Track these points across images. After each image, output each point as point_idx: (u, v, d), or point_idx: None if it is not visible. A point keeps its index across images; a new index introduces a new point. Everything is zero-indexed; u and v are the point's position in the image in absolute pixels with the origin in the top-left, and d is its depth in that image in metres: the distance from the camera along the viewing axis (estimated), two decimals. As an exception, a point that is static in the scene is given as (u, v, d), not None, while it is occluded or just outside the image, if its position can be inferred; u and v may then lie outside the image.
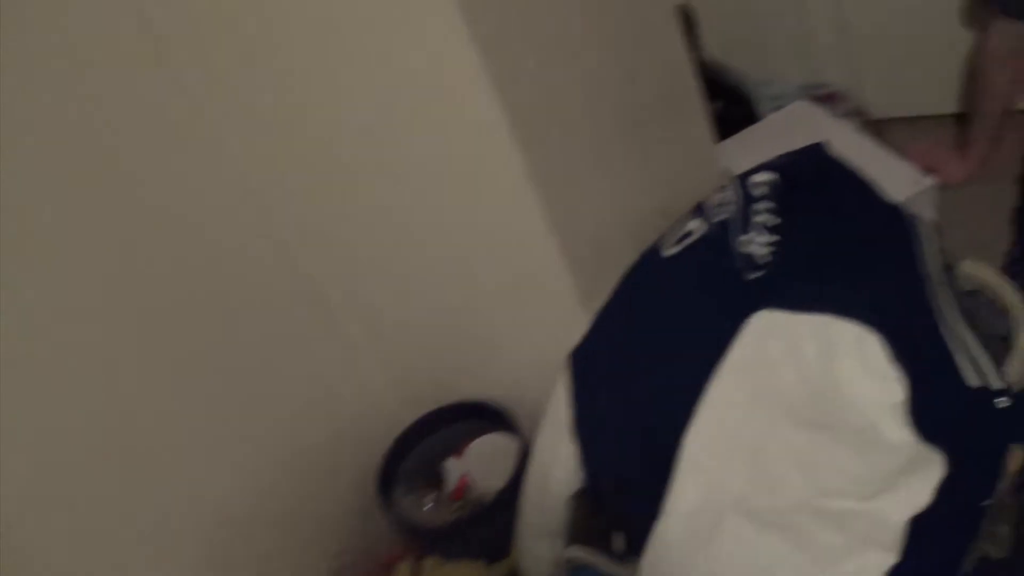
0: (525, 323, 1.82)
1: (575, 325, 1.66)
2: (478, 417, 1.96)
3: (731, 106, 2.54)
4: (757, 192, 1.59)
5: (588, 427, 1.58)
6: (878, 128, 2.69)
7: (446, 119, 1.51)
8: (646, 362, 1.56)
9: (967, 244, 2.23)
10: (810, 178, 1.62)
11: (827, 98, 2.64)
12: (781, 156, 1.67)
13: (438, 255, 1.75)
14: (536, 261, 1.67)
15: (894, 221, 1.60)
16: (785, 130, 2.42)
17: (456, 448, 1.94)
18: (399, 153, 1.58)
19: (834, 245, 1.54)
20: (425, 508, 1.90)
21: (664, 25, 1.87)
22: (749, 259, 1.53)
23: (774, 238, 1.53)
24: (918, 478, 1.36)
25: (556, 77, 1.57)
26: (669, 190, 1.82)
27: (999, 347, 1.66)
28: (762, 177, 1.60)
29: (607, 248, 1.72)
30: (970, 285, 1.74)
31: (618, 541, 1.61)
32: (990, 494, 1.41)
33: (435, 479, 1.94)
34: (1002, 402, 1.46)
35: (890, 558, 1.36)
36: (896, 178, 2.19)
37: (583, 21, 1.62)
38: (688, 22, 2.52)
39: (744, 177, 1.62)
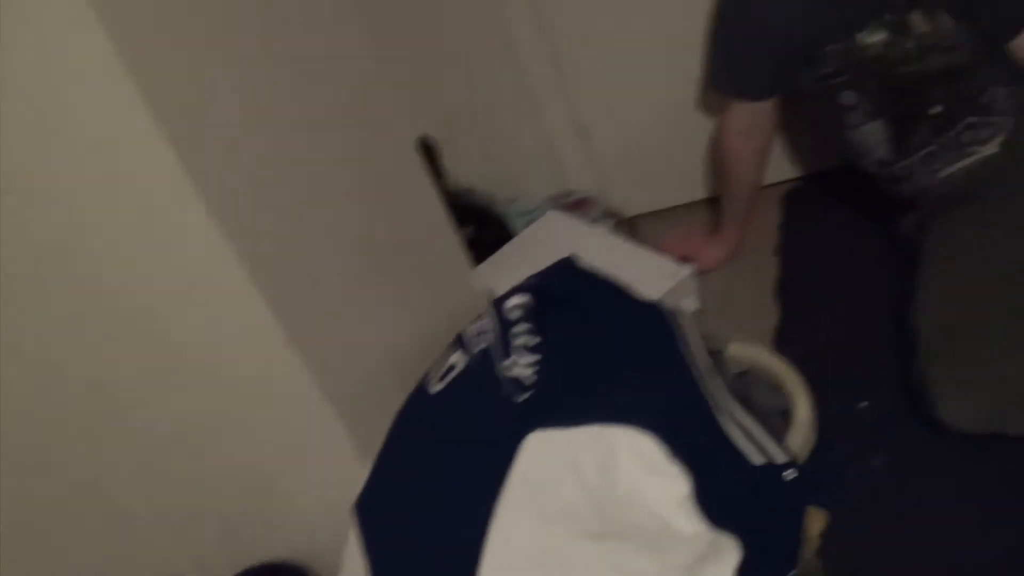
0: (308, 478, 1.83)
1: (357, 474, 1.68)
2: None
3: (483, 228, 2.62)
4: (513, 316, 1.65)
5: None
6: (632, 226, 2.82)
7: (194, 291, 1.53)
8: (430, 502, 1.59)
9: (735, 324, 2.36)
10: (564, 293, 1.70)
11: (577, 205, 2.74)
12: (532, 276, 1.75)
13: (211, 419, 1.75)
14: (307, 415, 1.69)
15: (653, 319, 1.69)
16: (539, 243, 2.50)
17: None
18: (155, 321, 1.58)
19: (597, 355, 1.61)
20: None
21: (405, 160, 1.95)
22: (515, 383, 1.58)
23: (536, 357, 1.59)
24: (715, 565, 1.42)
25: (298, 228, 1.62)
26: (432, 322, 1.87)
27: (779, 422, 1.76)
28: (516, 300, 1.67)
29: (377, 391, 1.76)
30: (740, 366, 1.84)
31: None
32: (794, 563, 1.49)
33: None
34: (789, 474, 1.55)
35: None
36: (654, 273, 2.30)
37: (319, 168, 1.67)
38: (430, 153, 2.60)
39: (498, 303, 1.68)
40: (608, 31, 2.66)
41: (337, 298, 1.72)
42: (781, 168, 2.85)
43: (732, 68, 2.52)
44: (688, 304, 2.29)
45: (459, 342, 1.70)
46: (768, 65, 2.43)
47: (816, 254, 2.64)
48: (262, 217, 1.54)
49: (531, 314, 1.64)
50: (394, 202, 1.91)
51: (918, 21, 2.24)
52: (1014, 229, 2.11)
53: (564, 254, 1.84)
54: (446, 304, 1.97)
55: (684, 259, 2.54)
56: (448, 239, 2.08)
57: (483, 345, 1.65)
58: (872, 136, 2.32)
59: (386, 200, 1.87)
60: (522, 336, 1.62)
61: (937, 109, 2.25)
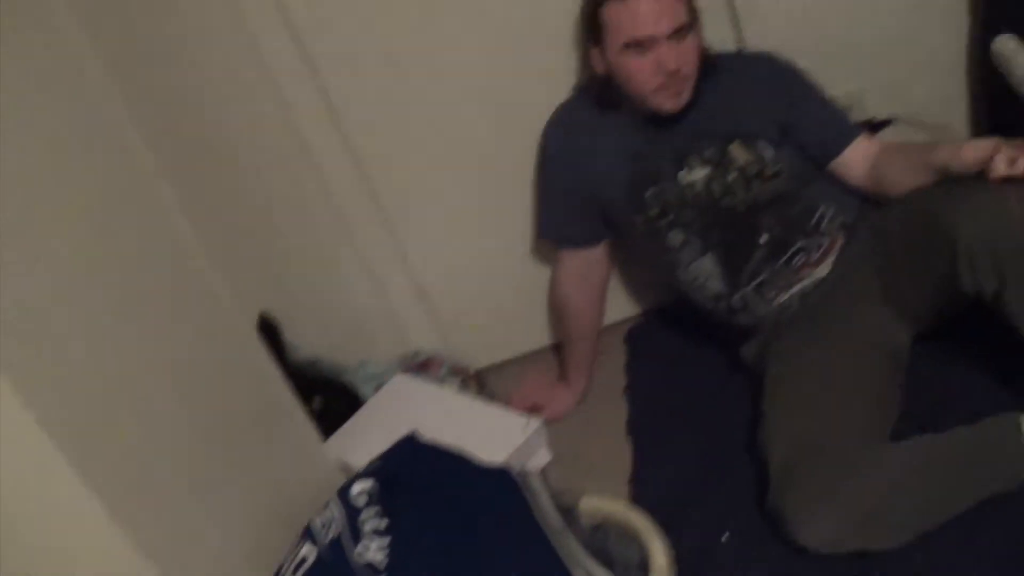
0: None
1: None
2: None
3: (332, 398, 2.60)
4: (359, 502, 1.66)
5: None
6: (480, 380, 2.84)
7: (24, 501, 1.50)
8: None
9: (590, 469, 2.38)
10: (409, 472, 1.71)
11: (424, 366, 2.75)
12: (375, 459, 1.76)
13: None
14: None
15: (501, 486, 1.71)
16: (388, 409, 2.50)
17: None
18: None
19: (448, 529, 1.62)
20: None
21: (243, 343, 1.94)
22: (370, 568, 1.58)
23: (388, 540, 1.60)
24: None
25: (131, 428, 1.59)
26: (286, 503, 1.85)
27: (638, 573, 1.77)
28: (360, 486, 1.68)
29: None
30: (595, 519, 1.85)
31: None
32: None
33: None
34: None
35: None
36: (504, 430, 2.29)
37: (153, 368, 1.66)
38: (271, 329, 2.59)
39: (344, 491, 1.69)
40: (436, 191, 2.73)
41: (181, 494, 1.68)
42: (621, 306, 2.92)
43: (558, 219, 2.60)
44: (540, 457, 2.30)
45: (308, 534, 1.69)
46: (592, 212, 2.51)
47: (664, 390, 2.68)
48: (91, 422, 1.51)
49: (378, 498, 1.65)
50: (234, 387, 1.90)
51: (738, 152, 2.32)
52: (848, 348, 2.17)
53: (413, 420, 1.85)
54: (299, 482, 1.96)
55: (534, 409, 2.57)
56: (295, 416, 2.07)
57: (333, 535, 1.65)
58: (703, 272, 2.38)
59: (225, 387, 1.86)
60: (371, 520, 1.63)
61: (766, 237, 2.32)
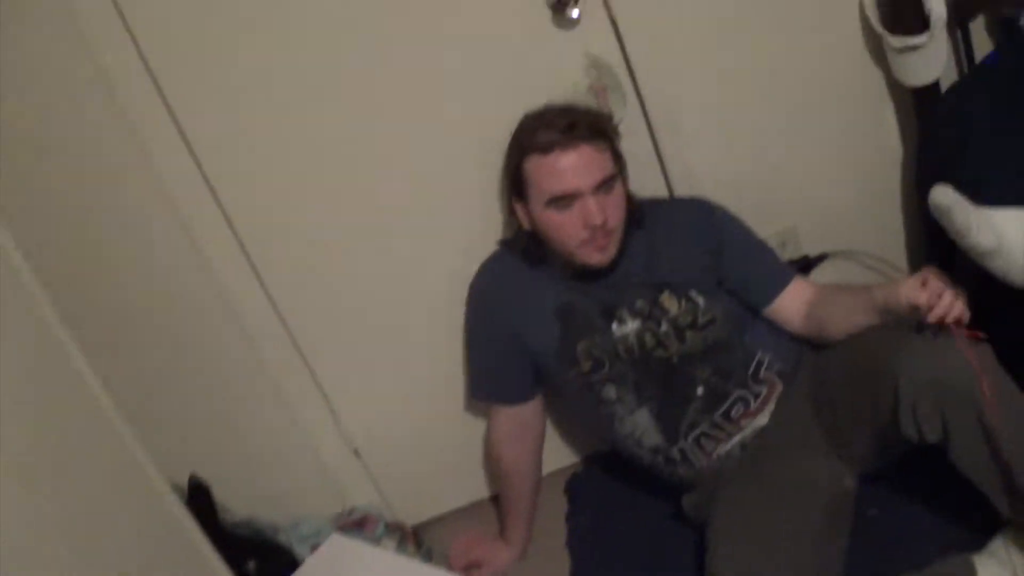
0: None
1: None
2: None
3: (266, 560, 2.56)
4: None
5: None
6: (417, 536, 2.80)
7: None
8: None
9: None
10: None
11: (360, 524, 2.71)
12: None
13: None
14: None
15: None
16: (324, 573, 2.45)
17: None
18: None
19: None
20: None
21: (171, 514, 1.90)
22: None
23: None
24: None
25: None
26: None
27: None
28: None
29: None
30: None
31: None
32: None
33: None
34: None
35: None
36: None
37: (70, 539, 1.61)
38: (201, 492, 2.55)
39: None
40: (365, 349, 2.72)
41: None
42: (559, 455, 2.91)
43: (489, 376, 2.58)
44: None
45: None
46: (523, 368, 2.49)
47: (606, 541, 2.65)
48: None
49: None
50: (161, 562, 1.85)
51: (669, 303, 2.30)
52: (791, 496, 2.15)
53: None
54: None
55: (473, 565, 2.53)
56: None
57: None
58: (639, 426, 2.35)
59: (152, 562, 1.82)
60: None
61: (702, 389, 2.30)
